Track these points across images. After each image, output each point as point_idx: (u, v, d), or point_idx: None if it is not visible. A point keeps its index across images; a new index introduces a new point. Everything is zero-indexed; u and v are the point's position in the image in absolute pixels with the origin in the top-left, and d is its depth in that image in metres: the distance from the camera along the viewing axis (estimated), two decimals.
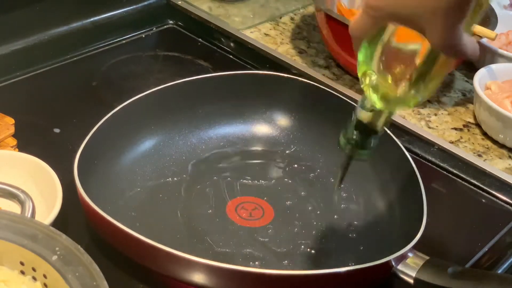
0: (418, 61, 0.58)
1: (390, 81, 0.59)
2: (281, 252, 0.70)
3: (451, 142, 0.89)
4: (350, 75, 0.99)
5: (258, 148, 0.83)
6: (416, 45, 0.58)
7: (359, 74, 0.60)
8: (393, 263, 0.63)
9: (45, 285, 0.53)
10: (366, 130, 0.62)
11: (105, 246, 0.66)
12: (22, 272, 0.54)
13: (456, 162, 0.85)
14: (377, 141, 0.63)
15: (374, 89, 0.59)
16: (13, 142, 0.77)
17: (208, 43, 1.03)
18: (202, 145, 0.82)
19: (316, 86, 0.84)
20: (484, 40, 0.97)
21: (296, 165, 0.81)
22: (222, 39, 1.04)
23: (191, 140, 0.82)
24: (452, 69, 1.00)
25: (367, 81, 0.59)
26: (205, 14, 1.08)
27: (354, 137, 0.62)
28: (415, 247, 0.64)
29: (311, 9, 1.15)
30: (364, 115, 0.61)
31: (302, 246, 0.71)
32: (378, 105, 0.59)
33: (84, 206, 0.65)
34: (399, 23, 0.56)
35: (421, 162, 0.84)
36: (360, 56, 0.59)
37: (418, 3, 0.53)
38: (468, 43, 0.55)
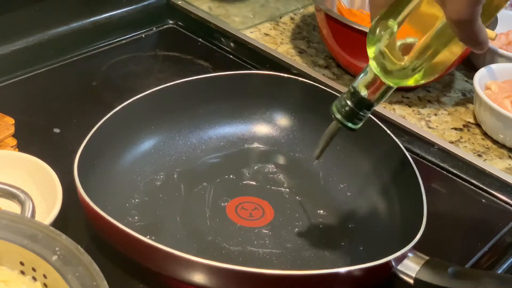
0: (426, 38, 0.58)
1: (397, 51, 0.59)
2: (281, 252, 0.70)
3: (451, 142, 0.89)
4: (350, 75, 0.99)
5: (258, 148, 0.83)
6: (426, 24, 0.58)
7: (369, 42, 0.60)
8: (393, 263, 0.63)
9: (45, 285, 0.53)
10: (361, 101, 0.63)
11: (105, 246, 0.66)
12: (22, 272, 0.54)
13: (456, 162, 0.85)
14: (367, 115, 0.64)
15: (379, 57, 0.60)
16: (13, 142, 0.77)
17: (208, 43, 1.03)
18: (202, 145, 0.82)
19: (316, 86, 0.84)
20: None
21: (296, 165, 0.81)
22: (222, 39, 1.04)
23: (191, 140, 0.82)
24: (455, 66, 1.00)
25: (374, 48, 0.59)
26: (205, 14, 1.08)
27: (347, 106, 0.63)
28: (415, 247, 0.64)
29: (311, 9, 1.15)
30: (362, 85, 0.62)
31: (302, 246, 0.71)
32: (379, 73, 0.60)
33: (84, 206, 0.65)
34: None
35: (421, 162, 0.84)
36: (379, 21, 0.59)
37: None
38: (483, 30, 0.55)
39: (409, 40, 0.59)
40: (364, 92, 0.62)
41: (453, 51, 0.60)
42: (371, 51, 0.60)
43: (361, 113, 0.63)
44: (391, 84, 0.61)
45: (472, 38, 0.56)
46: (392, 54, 0.60)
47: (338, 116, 0.64)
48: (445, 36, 0.58)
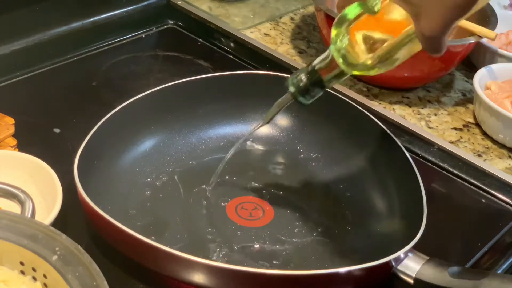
0: (392, 39, 0.60)
1: (359, 45, 0.61)
2: (281, 252, 0.70)
3: (451, 142, 0.89)
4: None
5: (258, 148, 0.83)
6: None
7: (334, 29, 0.62)
8: (393, 263, 0.63)
9: (45, 285, 0.53)
10: (316, 79, 0.65)
11: (105, 246, 0.66)
12: (22, 272, 0.54)
13: (456, 162, 0.85)
14: (320, 93, 0.67)
15: (341, 49, 0.62)
16: (13, 142, 0.77)
17: (208, 43, 1.03)
18: (202, 145, 0.82)
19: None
20: (484, 40, 0.97)
21: (296, 165, 0.81)
22: (222, 39, 1.04)
23: (191, 140, 0.82)
24: (454, 66, 1.00)
25: (339, 38, 0.62)
26: (205, 14, 1.08)
27: (302, 82, 0.66)
28: (415, 247, 0.64)
29: (311, 9, 1.15)
30: (320, 66, 0.65)
31: (302, 246, 0.71)
32: (341, 64, 0.63)
33: (84, 206, 0.65)
34: (396, 1, 0.57)
35: (421, 162, 0.84)
36: (349, 13, 0.61)
37: None
38: (446, 41, 0.57)
39: (371, 41, 0.61)
40: (320, 71, 0.65)
41: (414, 50, 0.62)
42: (334, 40, 0.62)
43: (314, 92, 0.66)
44: (350, 73, 0.64)
45: (436, 48, 0.58)
46: (353, 51, 0.62)
47: (292, 90, 0.67)
48: (408, 40, 0.60)
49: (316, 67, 0.65)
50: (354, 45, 0.61)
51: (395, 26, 0.60)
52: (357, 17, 0.61)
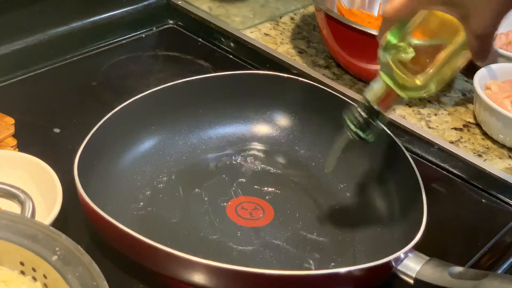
0: (443, 54, 0.59)
1: (409, 68, 0.61)
2: (281, 252, 0.70)
3: (451, 142, 0.89)
4: (350, 75, 0.99)
5: (258, 148, 0.83)
6: (444, 39, 0.60)
7: (384, 54, 0.61)
8: (393, 263, 0.63)
9: (45, 285, 0.53)
10: (372, 111, 0.64)
11: (105, 246, 0.66)
12: (22, 272, 0.54)
13: (456, 162, 0.85)
14: (381, 125, 0.65)
15: (390, 71, 0.61)
16: (13, 142, 0.77)
17: (208, 43, 1.03)
18: (202, 145, 0.82)
19: (316, 86, 0.84)
20: None
21: (296, 165, 0.81)
22: (222, 39, 1.04)
23: (191, 140, 0.82)
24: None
25: (391, 58, 0.61)
26: (205, 14, 1.08)
27: (359, 118, 0.65)
28: (415, 247, 0.64)
29: (311, 9, 1.15)
30: (374, 97, 0.63)
31: (302, 246, 0.71)
32: (394, 87, 0.61)
33: (84, 206, 0.65)
34: (443, 6, 0.57)
35: (421, 162, 0.84)
36: (391, 38, 0.61)
37: None
38: (493, 45, 0.58)
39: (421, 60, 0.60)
40: (374, 102, 0.64)
41: (459, 64, 0.62)
42: (384, 67, 0.61)
43: (373, 123, 0.65)
44: (405, 97, 0.63)
45: (487, 49, 0.58)
46: (404, 72, 0.61)
47: (352, 127, 0.65)
48: (457, 53, 0.60)
49: (369, 97, 0.64)
50: (404, 66, 0.61)
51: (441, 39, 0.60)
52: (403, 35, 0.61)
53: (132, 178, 0.76)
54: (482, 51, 0.58)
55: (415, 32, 0.61)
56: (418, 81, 0.61)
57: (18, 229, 0.53)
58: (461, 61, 0.62)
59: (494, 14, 0.55)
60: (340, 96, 0.82)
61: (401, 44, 0.60)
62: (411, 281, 0.63)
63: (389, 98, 0.63)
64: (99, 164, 0.72)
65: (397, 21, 0.60)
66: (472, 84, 0.93)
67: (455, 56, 0.61)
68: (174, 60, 0.99)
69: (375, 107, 0.64)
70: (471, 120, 0.94)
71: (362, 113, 0.64)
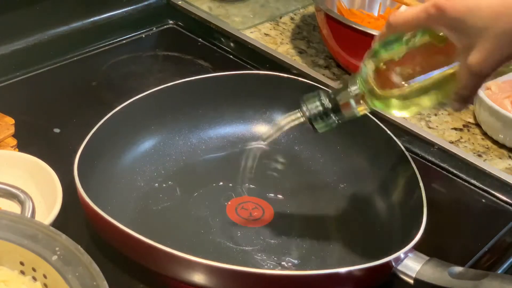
0: (431, 79, 0.59)
1: (392, 81, 0.60)
2: (281, 252, 0.70)
3: (451, 142, 0.89)
4: (350, 75, 0.99)
5: (258, 148, 0.83)
6: (430, 68, 0.59)
7: (369, 60, 0.60)
8: (393, 263, 0.63)
9: (45, 285, 0.53)
10: (335, 105, 0.63)
11: (105, 246, 0.66)
12: (22, 272, 0.54)
13: (456, 162, 0.85)
14: (336, 122, 0.64)
15: (366, 75, 0.60)
16: (13, 142, 0.77)
17: (208, 43, 1.03)
18: (202, 145, 0.82)
19: (316, 86, 0.84)
20: None
21: (296, 165, 0.81)
22: (222, 39, 1.04)
23: (191, 140, 0.82)
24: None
25: (370, 66, 0.60)
26: (205, 14, 1.08)
27: (320, 107, 0.64)
28: (415, 247, 0.64)
29: (311, 9, 1.15)
30: (343, 96, 0.63)
31: (302, 246, 0.71)
32: (367, 94, 0.61)
33: (84, 206, 0.65)
34: (449, 30, 0.55)
35: (421, 162, 0.84)
36: (381, 49, 0.60)
37: (493, 20, 0.51)
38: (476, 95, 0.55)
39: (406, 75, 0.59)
40: (342, 102, 0.63)
41: (438, 99, 0.60)
42: (363, 69, 0.61)
43: (330, 117, 0.64)
44: (370, 105, 0.62)
45: (472, 93, 0.56)
46: (377, 82, 0.60)
47: (307, 112, 0.64)
48: (440, 84, 0.59)
49: (339, 96, 0.63)
50: (381, 77, 0.60)
51: (429, 64, 0.59)
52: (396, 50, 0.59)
53: (132, 178, 0.76)
54: (466, 93, 0.55)
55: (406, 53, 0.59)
56: (387, 95, 0.60)
57: (18, 229, 0.53)
58: (432, 101, 0.60)
59: (498, 55, 0.52)
60: None
61: (386, 57, 0.60)
62: (411, 281, 0.63)
63: (356, 100, 0.62)
64: (99, 164, 0.72)
65: (400, 31, 0.59)
66: None
67: (432, 90, 0.59)
68: (174, 60, 0.99)
69: (339, 103, 0.63)
70: (471, 120, 0.94)
71: (324, 102, 0.63)
